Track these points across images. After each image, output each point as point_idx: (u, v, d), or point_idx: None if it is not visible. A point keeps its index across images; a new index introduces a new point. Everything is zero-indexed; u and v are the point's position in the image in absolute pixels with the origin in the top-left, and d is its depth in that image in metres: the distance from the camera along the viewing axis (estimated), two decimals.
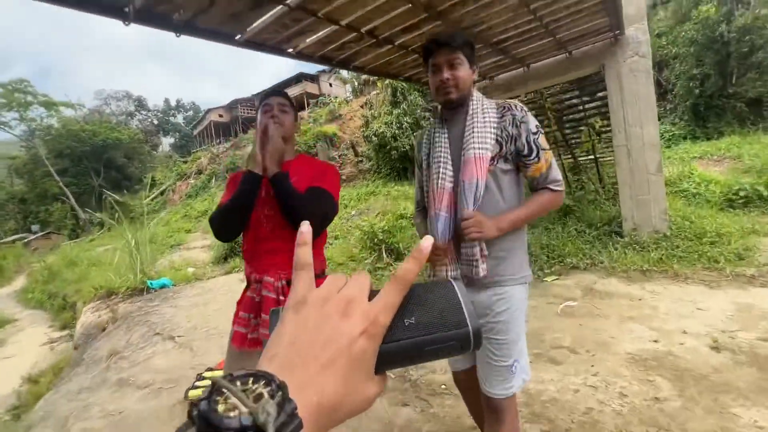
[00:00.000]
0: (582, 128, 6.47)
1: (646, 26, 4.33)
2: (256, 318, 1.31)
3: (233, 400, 0.23)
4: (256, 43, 2.81)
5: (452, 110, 1.30)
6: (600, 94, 5.81)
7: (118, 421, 2.38)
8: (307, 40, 3.03)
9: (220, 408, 0.22)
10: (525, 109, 1.24)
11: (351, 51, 3.38)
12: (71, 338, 5.59)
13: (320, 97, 29.52)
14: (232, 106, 39.39)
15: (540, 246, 4.64)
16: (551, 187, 1.25)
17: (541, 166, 1.23)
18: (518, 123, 1.22)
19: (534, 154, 1.22)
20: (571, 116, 6.46)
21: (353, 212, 10.55)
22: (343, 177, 18.49)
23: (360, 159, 18.25)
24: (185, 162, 33.86)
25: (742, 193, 5.42)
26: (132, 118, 54.02)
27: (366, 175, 17.27)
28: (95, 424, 2.40)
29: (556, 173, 1.26)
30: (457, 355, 0.36)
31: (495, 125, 1.22)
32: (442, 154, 1.28)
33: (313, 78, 32.30)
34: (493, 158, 1.21)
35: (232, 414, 0.22)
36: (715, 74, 12.27)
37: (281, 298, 1.27)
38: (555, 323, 2.95)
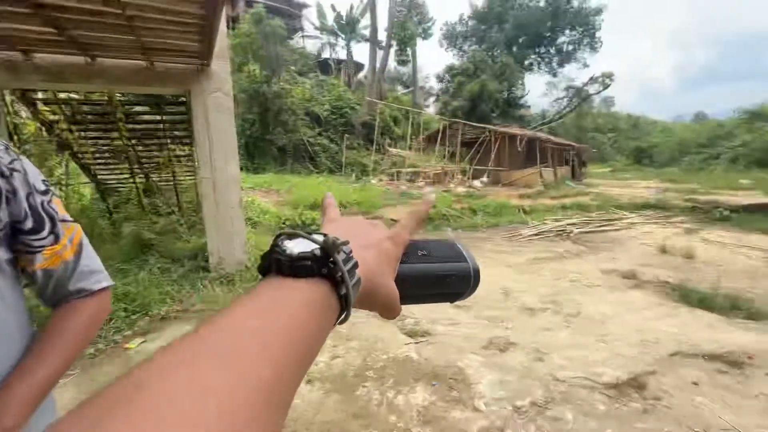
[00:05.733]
0: (155, 146, 5.81)
1: (228, 66, 4.51)
2: None
3: (299, 239, 0.26)
4: None
5: None
6: (180, 117, 5.48)
7: None
8: None
9: (288, 244, 0.25)
10: (15, 151, 0.65)
11: None
12: None
13: None
14: None
15: (114, 297, 3.54)
16: (94, 288, 0.71)
17: (63, 252, 0.68)
18: (5, 172, 0.61)
19: (47, 229, 0.65)
20: (145, 131, 5.62)
21: None
22: None
23: None
24: None
25: (288, 222, 7.02)
26: None
27: None
28: None
29: (95, 262, 0.74)
30: (462, 292, 0.39)
31: None
32: None
33: None
34: None
35: (300, 246, 0.25)
36: (258, 121, 15.56)
37: None
38: None
